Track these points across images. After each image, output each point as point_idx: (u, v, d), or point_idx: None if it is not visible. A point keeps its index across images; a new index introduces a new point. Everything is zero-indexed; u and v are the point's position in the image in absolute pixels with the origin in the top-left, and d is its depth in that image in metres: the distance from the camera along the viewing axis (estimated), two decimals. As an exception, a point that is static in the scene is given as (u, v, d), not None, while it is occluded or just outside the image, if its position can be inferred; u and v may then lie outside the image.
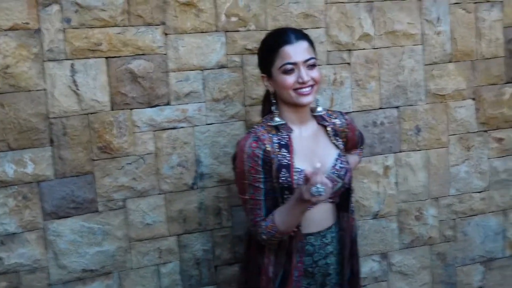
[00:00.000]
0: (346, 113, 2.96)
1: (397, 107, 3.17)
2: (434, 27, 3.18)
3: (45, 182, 2.62)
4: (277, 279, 2.32)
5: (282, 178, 2.22)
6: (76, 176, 2.67)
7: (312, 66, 2.27)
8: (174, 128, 2.79)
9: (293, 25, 2.87)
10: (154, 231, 2.82)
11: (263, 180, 2.23)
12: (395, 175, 3.21)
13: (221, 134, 2.86)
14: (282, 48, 2.24)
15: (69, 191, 2.66)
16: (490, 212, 3.44)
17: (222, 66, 2.83)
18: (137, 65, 2.70)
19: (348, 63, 3.05)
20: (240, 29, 2.84)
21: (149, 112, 2.74)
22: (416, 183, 3.26)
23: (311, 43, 2.31)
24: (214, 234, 2.93)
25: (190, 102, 2.80)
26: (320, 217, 2.35)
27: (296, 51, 2.24)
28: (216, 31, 2.81)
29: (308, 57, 2.25)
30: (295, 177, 2.22)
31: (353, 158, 2.70)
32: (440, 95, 3.24)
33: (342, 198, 2.42)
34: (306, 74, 2.23)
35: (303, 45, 2.26)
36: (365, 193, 3.16)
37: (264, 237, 2.24)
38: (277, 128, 2.31)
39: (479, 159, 3.37)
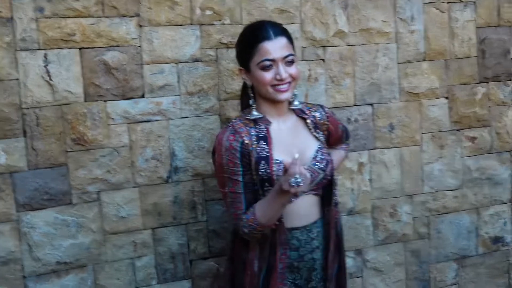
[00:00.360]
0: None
1: (371, 104, 3.20)
2: (408, 25, 3.22)
3: (18, 173, 2.61)
4: (262, 273, 2.31)
5: (262, 170, 2.23)
6: (50, 167, 2.66)
7: (291, 62, 2.27)
8: (148, 121, 2.80)
9: (268, 21, 2.90)
10: (129, 224, 2.82)
11: (242, 173, 2.23)
12: (369, 172, 3.24)
13: (195, 128, 2.87)
14: (261, 44, 2.24)
15: (42, 182, 2.65)
16: (463, 210, 3.47)
17: (196, 60, 2.85)
18: (111, 56, 2.70)
19: (323, 60, 3.08)
20: (215, 22, 2.86)
21: (123, 104, 2.75)
22: (390, 180, 3.28)
23: (290, 38, 2.32)
24: (189, 228, 2.93)
25: (165, 95, 2.81)
26: (305, 211, 2.35)
27: (275, 48, 2.24)
28: (191, 24, 2.82)
29: (286, 53, 2.26)
30: (274, 169, 2.23)
31: (338, 153, 2.71)
32: (413, 93, 3.27)
33: (325, 191, 2.43)
34: (285, 71, 2.24)
35: (282, 41, 2.26)
36: (340, 190, 3.16)
37: (245, 230, 2.23)
38: (255, 121, 2.32)
39: (452, 157, 3.40)
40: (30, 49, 2.58)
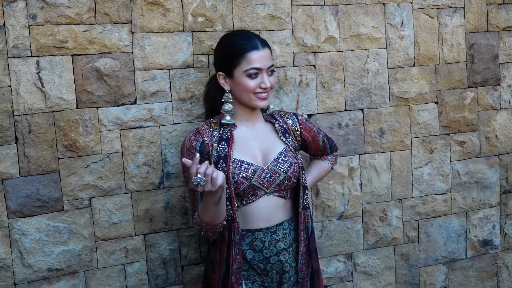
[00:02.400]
0: (311, 115, 3.04)
1: (361, 109, 3.22)
2: (398, 31, 3.24)
3: (9, 180, 2.60)
4: (221, 273, 2.40)
5: (220, 169, 2.34)
6: (42, 174, 2.65)
7: (272, 72, 2.44)
8: (140, 127, 2.80)
9: (260, 27, 2.93)
10: (120, 230, 2.82)
11: None
12: (359, 177, 3.26)
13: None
14: (250, 53, 2.37)
15: (34, 189, 2.64)
16: (452, 214, 3.50)
17: (188, 66, 2.85)
18: (103, 63, 2.70)
19: (314, 65, 3.09)
20: (206, 29, 2.87)
21: (115, 110, 2.74)
22: (380, 184, 3.30)
23: (271, 50, 2.48)
24: (181, 233, 2.93)
25: (157, 101, 2.81)
26: (266, 212, 2.44)
27: (263, 58, 2.39)
28: (183, 30, 2.83)
29: (270, 64, 2.42)
30: (231, 167, 2.34)
31: (320, 164, 2.83)
32: (403, 98, 3.29)
33: (294, 195, 2.53)
34: (268, 81, 2.40)
35: (267, 52, 2.42)
36: (330, 194, 3.19)
37: (196, 227, 2.37)
38: (221, 124, 2.45)
39: (442, 161, 3.43)
40: (23, 56, 2.57)
